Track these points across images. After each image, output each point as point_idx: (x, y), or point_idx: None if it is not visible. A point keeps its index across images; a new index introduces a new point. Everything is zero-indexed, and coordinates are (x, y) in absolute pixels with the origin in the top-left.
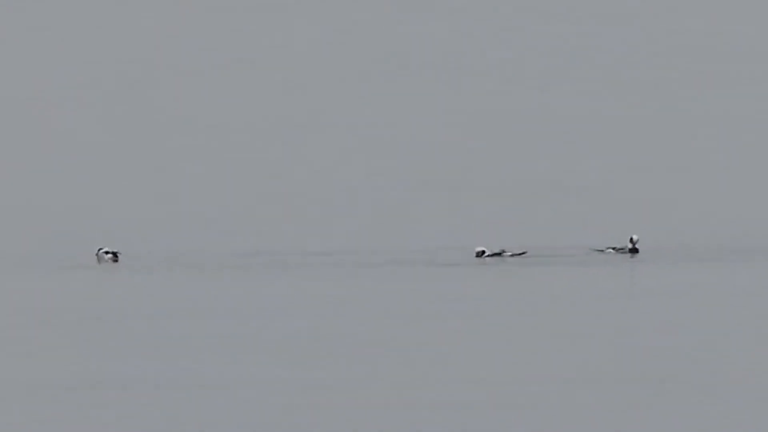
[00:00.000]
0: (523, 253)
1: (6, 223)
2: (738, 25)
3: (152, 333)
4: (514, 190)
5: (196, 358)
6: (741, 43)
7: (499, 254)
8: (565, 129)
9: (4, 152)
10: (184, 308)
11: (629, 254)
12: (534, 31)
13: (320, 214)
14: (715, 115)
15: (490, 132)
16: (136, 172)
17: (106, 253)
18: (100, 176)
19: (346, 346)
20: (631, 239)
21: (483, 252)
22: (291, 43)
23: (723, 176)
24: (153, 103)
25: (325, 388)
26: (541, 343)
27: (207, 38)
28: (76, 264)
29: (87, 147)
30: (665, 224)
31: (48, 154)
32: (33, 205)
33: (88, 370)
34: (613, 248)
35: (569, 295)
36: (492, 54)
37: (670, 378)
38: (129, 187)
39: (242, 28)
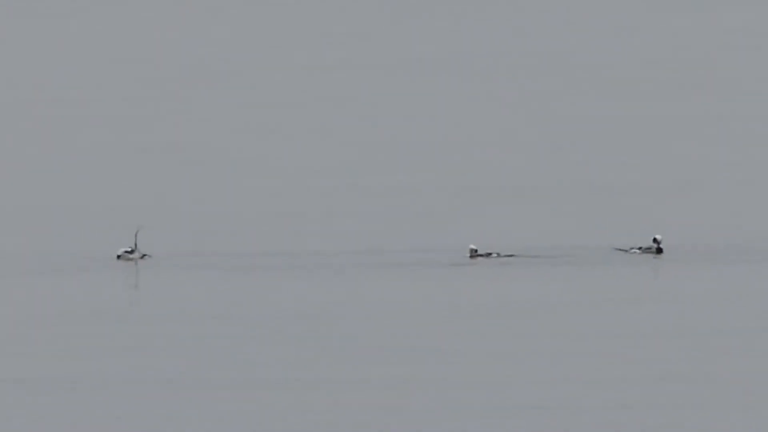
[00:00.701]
0: (511, 255)
1: (19, 223)
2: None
3: (203, 333)
4: (539, 191)
5: (235, 358)
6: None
7: (488, 255)
8: (588, 130)
9: (24, 152)
10: (223, 308)
11: (654, 254)
12: (553, 33)
13: (348, 213)
14: (739, 115)
15: (508, 133)
16: (147, 173)
17: (129, 252)
18: (107, 177)
19: (402, 345)
20: (655, 239)
21: (476, 250)
22: (298, 43)
23: (745, 176)
24: (164, 105)
25: (372, 388)
26: (596, 344)
27: (214, 38)
28: (98, 263)
29: (94, 147)
30: (686, 223)
31: (60, 155)
32: (42, 205)
33: (130, 366)
34: (639, 248)
35: (618, 294)
36: (493, 53)
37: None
38: (141, 187)
39: (249, 28)
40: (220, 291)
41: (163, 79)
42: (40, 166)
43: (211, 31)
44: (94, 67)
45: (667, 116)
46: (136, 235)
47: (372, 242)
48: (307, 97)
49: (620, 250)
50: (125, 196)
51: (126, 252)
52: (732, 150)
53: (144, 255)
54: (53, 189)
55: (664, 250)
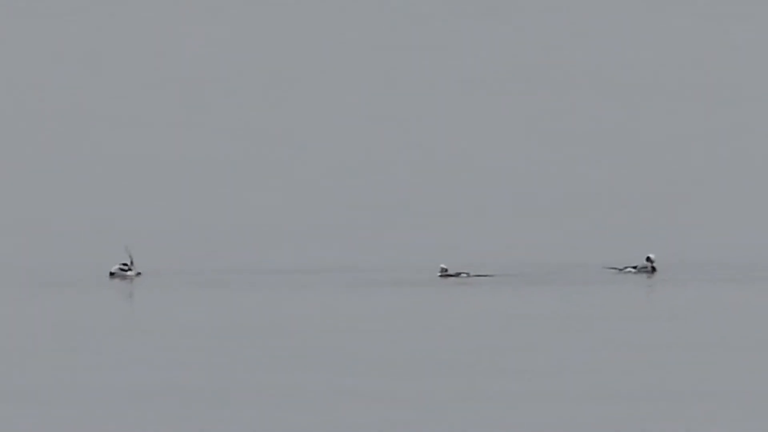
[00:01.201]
0: (485, 276)
1: (26, 238)
2: None
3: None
4: (533, 209)
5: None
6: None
7: (458, 275)
8: (576, 147)
9: (19, 161)
10: (237, 324)
11: (649, 273)
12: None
13: (369, 228)
14: (732, 135)
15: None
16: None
17: (124, 269)
18: (121, 191)
19: (439, 362)
20: (649, 258)
21: (446, 270)
22: (300, 56)
23: (739, 195)
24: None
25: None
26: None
27: (239, 48)
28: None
29: (113, 162)
30: (677, 243)
31: (51, 169)
32: (33, 218)
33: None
34: (634, 267)
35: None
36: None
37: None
38: (150, 203)
39: (271, 40)
40: (215, 308)
41: (151, 100)
42: (31, 177)
43: (245, 42)
44: (92, 84)
45: (665, 134)
46: (129, 253)
47: (343, 259)
48: (297, 116)
49: (613, 269)
50: (111, 211)
51: (121, 269)
52: (729, 167)
53: (138, 272)
54: (43, 201)
55: (657, 269)
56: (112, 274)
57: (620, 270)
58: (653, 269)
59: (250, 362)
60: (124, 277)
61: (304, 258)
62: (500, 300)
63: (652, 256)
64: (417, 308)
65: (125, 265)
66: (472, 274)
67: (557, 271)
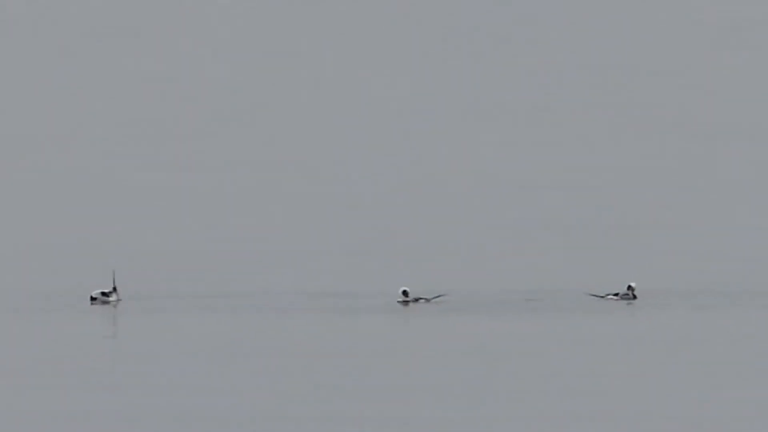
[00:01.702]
0: (439, 297)
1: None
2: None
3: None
4: (514, 233)
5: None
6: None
7: (416, 300)
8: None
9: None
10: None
11: (630, 300)
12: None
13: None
14: (717, 161)
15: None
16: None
17: (104, 294)
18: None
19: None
20: (630, 287)
21: (406, 292)
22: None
23: (722, 219)
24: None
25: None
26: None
27: (243, 74)
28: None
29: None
30: (656, 269)
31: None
32: (16, 243)
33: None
34: (615, 294)
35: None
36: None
37: None
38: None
39: (280, 64)
40: (202, 332)
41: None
42: (15, 201)
43: (249, 66)
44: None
45: (640, 162)
46: (113, 278)
47: (318, 286)
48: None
49: (595, 296)
50: (94, 234)
51: (103, 294)
52: (709, 191)
53: (118, 299)
54: (28, 226)
55: (637, 297)
56: (93, 299)
57: (602, 297)
58: (634, 296)
59: (239, 385)
60: (105, 303)
61: (292, 282)
62: (494, 327)
63: (633, 284)
64: (397, 335)
65: (109, 291)
66: (430, 298)
67: (539, 297)
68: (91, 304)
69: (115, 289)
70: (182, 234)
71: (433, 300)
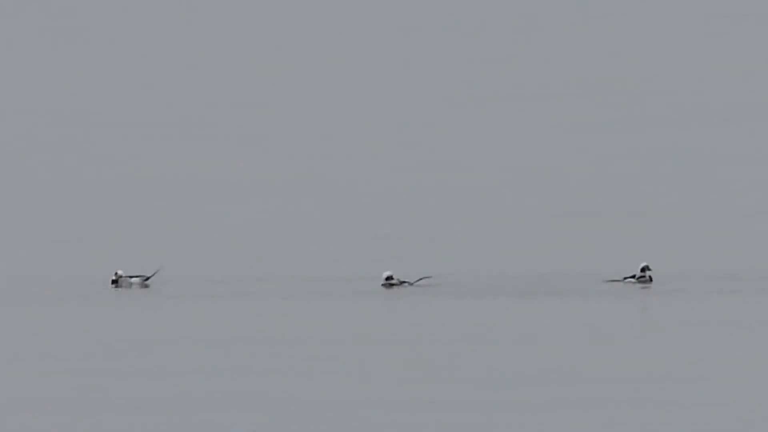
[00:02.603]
0: (422, 279)
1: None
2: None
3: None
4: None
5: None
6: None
7: (401, 283)
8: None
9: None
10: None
11: (648, 283)
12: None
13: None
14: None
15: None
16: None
17: (131, 277)
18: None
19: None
20: (644, 268)
21: (390, 276)
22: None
23: (742, 203)
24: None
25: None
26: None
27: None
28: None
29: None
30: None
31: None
32: (47, 229)
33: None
34: (632, 277)
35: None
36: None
37: None
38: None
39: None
40: (230, 317)
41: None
42: (50, 190)
43: (269, 62)
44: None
45: (659, 144)
46: (156, 272)
47: (298, 269)
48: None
49: (612, 281)
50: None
51: (115, 274)
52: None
53: (146, 283)
54: (61, 214)
55: (653, 279)
56: (114, 282)
57: (620, 281)
58: (650, 278)
59: (265, 370)
60: (129, 285)
61: (323, 267)
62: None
63: (645, 264)
64: (412, 317)
65: (116, 277)
66: (413, 282)
67: (555, 282)
68: (114, 287)
69: (148, 278)
70: (204, 221)
71: (416, 283)
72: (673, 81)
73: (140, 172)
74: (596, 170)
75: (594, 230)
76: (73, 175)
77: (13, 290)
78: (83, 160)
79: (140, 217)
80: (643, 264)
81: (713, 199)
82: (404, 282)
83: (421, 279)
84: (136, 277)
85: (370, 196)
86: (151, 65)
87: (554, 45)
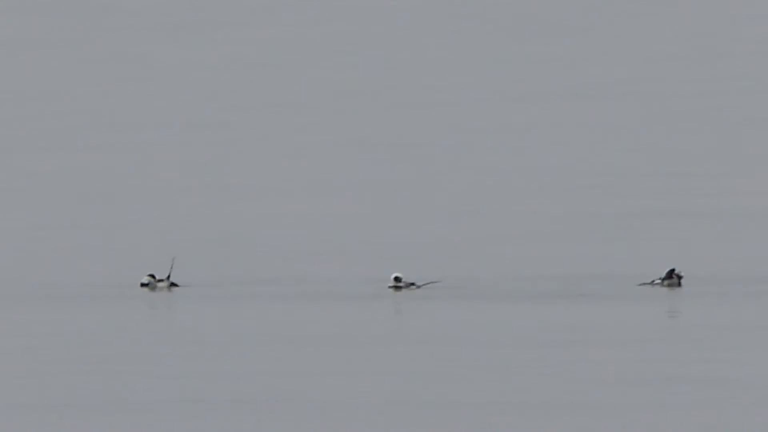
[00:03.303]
0: (430, 283)
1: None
2: None
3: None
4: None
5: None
6: None
7: (408, 285)
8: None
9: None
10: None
11: (677, 286)
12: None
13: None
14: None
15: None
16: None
17: (159, 280)
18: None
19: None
20: (672, 271)
21: (398, 278)
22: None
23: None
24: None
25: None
26: None
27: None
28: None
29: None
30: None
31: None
32: (77, 231)
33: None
34: (661, 279)
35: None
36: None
37: None
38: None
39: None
40: (254, 319)
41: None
42: (80, 189)
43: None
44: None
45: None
46: (171, 266)
47: (296, 271)
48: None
49: (644, 284)
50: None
51: (155, 280)
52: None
53: (172, 284)
54: (95, 212)
55: (682, 284)
56: (143, 284)
57: (650, 284)
58: (679, 283)
59: (294, 372)
60: (155, 288)
61: (345, 271)
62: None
63: (676, 269)
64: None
65: (153, 276)
66: (420, 284)
67: (585, 285)
68: (141, 288)
69: (169, 275)
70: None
71: (424, 286)
72: (712, 82)
73: (167, 174)
74: (627, 170)
75: (624, 233)
76: (102, 177)
77: (42, 292)
78: (110, 161)
79: (162, 219)
80: (671, 267)
81: (748, 201)
82: (412, 284)
83: (428, 283)
84: (162, 281)
85: (390, 196)
86: (173, 67)
87: (578, 46)
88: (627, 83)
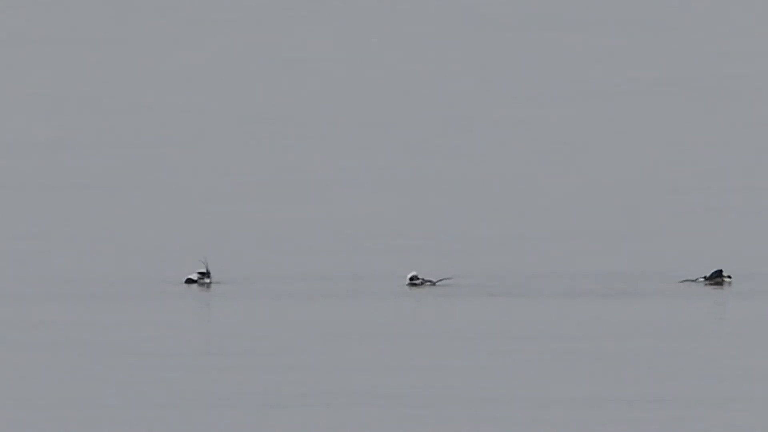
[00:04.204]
0: (444, 279)
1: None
2: None
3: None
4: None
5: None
6: None
7: (423, 283)
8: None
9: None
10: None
11: (721, 285)
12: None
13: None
14: None
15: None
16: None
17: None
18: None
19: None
20: (719, 273)
21: (414, 276)
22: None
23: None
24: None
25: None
26: None
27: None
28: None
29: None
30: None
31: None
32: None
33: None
34: (704, 277)
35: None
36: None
37: None
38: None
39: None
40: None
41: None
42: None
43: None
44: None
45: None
46: (206, 263)
47: (321, 268)
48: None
49: (687, 281)
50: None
51: (201, 274)
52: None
53: (211, 282)
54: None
55: (726, 282)
56: (191, 280)
57: (694, 281)
58: (722, 281)
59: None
60: (202, 284)
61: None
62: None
63: (722, 270)
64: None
65: (202, 273)
66: (435, 281)
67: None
68: (188, 284)
69: (209, 272)
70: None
71: (439, 283)
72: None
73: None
74: (666, 166)
75: (663, 232)
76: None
77: (85, 290)
78: (164, 162)
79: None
80: (718, 269)
81: None
82: (427, 281)
83: (443, 279)
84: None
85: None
86: (225, 66)
87: (622, 45)
88: (654, 83)
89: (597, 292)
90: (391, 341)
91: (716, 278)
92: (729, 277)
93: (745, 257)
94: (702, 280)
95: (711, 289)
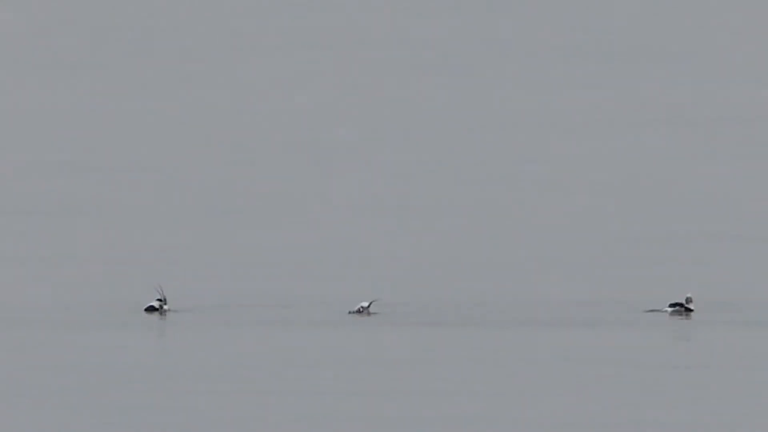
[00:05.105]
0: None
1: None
2: None
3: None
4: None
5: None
6: None
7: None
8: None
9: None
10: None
11: (688, 313)
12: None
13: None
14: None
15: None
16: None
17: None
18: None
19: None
20: (685, 302)
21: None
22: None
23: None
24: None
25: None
26: None
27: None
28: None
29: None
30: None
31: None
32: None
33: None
34: (670, 306)
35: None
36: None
37: None
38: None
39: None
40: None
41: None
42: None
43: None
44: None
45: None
46: (161, 291)
47: (283, 295)
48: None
49: (653, 311)
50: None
51: (158, 302)
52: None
53: (167, 308)
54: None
55: (693, 310)
56: (151, 308)
57: (660, 311)
58: (687, 310)
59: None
60: (161, 312)
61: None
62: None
63: (689, 295)
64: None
65: (159, 300)
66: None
67: (591, 312)
68: (147, 312)
69: (164, 299)
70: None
71: (370, 307)
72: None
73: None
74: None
75: (634, 258)
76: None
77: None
78: (155, 183)
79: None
80: (687, 295)
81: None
82: (365, 309)
83: (371, 303)
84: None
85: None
86: (209, 92)
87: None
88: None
89: (560, 321)
90: (348, 367)
91: (680, 307)
92: (690, 309)
93: (711, 286)
94: (667, 309)
95: (676, 319)
